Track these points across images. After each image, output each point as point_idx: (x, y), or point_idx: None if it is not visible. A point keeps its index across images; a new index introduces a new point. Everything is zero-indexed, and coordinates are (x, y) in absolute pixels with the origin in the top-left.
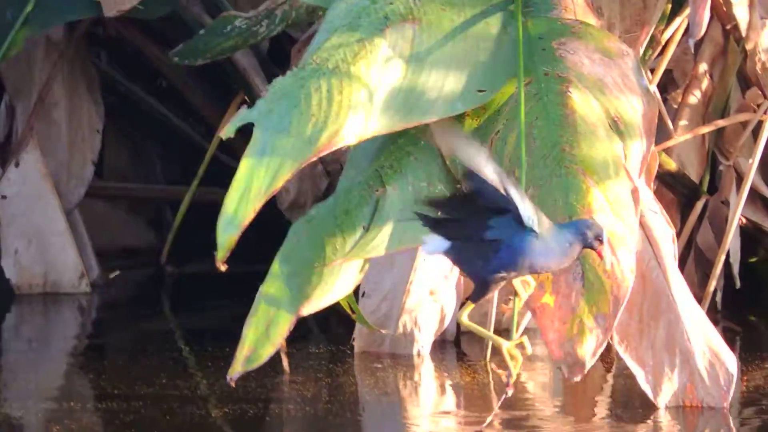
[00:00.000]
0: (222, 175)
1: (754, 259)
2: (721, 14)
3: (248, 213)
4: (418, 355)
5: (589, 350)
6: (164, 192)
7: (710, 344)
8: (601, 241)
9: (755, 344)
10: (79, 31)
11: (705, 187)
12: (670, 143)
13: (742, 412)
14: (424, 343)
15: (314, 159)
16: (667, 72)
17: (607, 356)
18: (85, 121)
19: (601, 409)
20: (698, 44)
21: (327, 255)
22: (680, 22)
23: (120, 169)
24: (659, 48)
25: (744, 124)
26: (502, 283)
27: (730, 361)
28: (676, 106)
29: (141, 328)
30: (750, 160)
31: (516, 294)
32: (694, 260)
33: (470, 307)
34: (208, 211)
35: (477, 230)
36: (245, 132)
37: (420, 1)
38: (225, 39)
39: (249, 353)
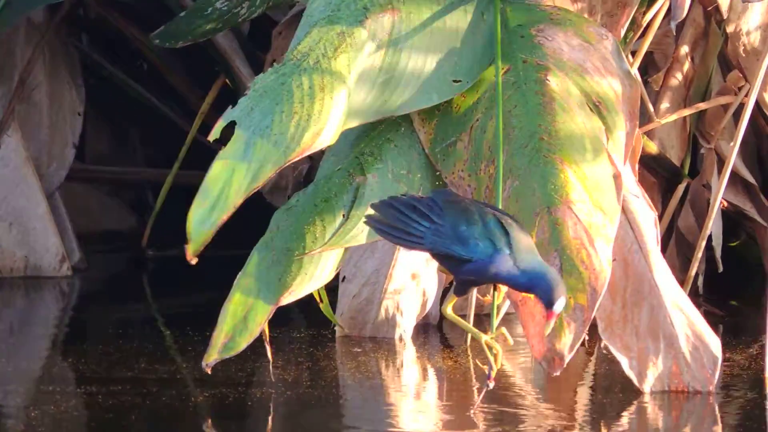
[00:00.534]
0: (204, 158)
1: (735, 243)
2: None
3: (226, 211)
4: (400, 339)
5: (567, 343)
6: (145, 175)
7: (694, 328)
8: (551, 308)
9: (738, 328)
10: (60, 14)
11: (686, 171)
12: (651, 126)
13: (728, 395)
14: (406, 327)
15: (297, 159)
16: (648, 54)
17: (590, 341)
18: (66, 103)
19: (584, 395)
20: (679, 27)
21: (307, 244)
22: (661, 4)
23: (101, 152)
24: (640, 30)
25: (725, 107)
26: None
27: (715, 344)
28: (657, 89)
29: (122, 311)
30: (731, 143)
31: (495, 287)
32: (676, 244)
33: (453, 299)
34: (190, 194)
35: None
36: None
37: None
38: (206, 21)
39: (226, 340)
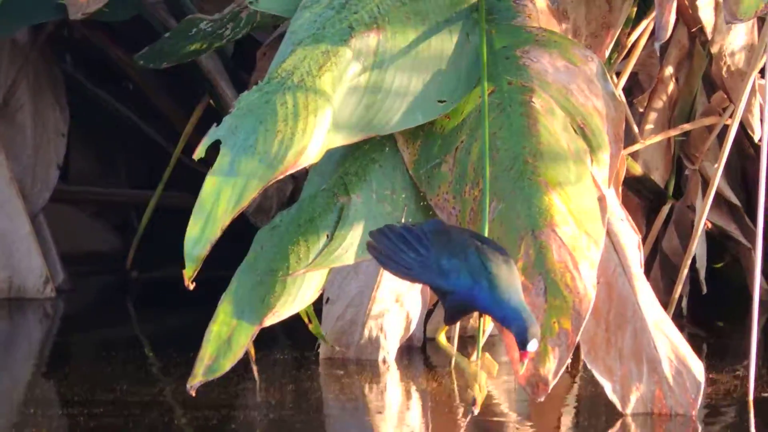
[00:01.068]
0: (188, 179)
1: (720, 265)
2: (687, 17)
3: (215, 232)
4: (384, 361)
5: (551, 369)
6: (129, 196)
7: (677, 352)
8: (524, 348)
9: (722, 350)
10: (45, 34)
11: (671, 192)
12: (635, 147)
13: (711, 419)
14: (389, 349)
15: (281, 177)
16: (633, 75)
17: (574, 363)
18: (51, 124)
19: (567, 417)
20: (664, 47)
21: (291, 264)
22: (646, 25)
23: (85, 173)
24: (625, 51)
25: (710, 128)
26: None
27: (698, 368)
28: (641, 110)
29: (105, 333)
30: (716, 165)
31: (482, 315)
32: (660, 266)
33: (444, 328)
34: (174, 215)
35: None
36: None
37: (385, 10)
38: (190, 42)
39: (210, 363)
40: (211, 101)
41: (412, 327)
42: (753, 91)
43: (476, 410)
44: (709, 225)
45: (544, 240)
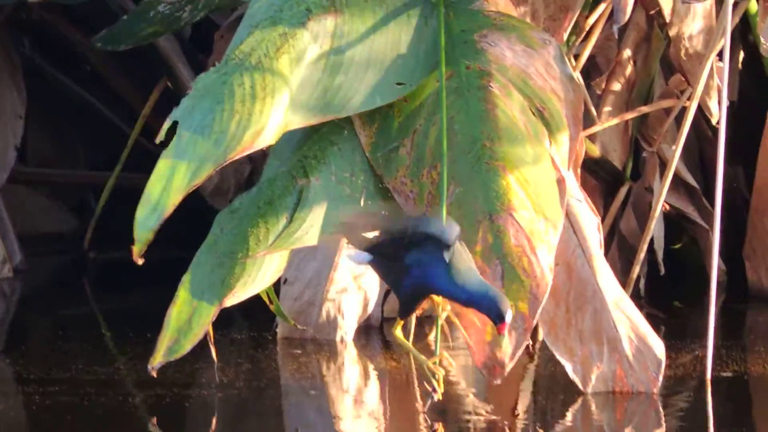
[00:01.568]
0: (145, 160)
1: (677, 246)
2: (645, 0)
3: (167, 208)
4: (342, 341)
5: (508, 352)
6: (87, 177)
7: (637, 331)
8: (503, 320)
9: (680, 330)
10: (2, 17)
11: (628, 174)
12: (593, 130)
13: (671, 397)
14: (347, 329)
15: (238, 158)
16: (591, 58)
17: (532, 344)
18: (8, 106)
19: (527, 397)
20: (622, 30)
21: (251, 246)
22: (604, 8)
23: (43, 155)
24: (583, 34)
25: (667, 111)
26: (423, 302)
27: (658, 346)
28: (599, 93)
29: (62, 313)
30: (673, 147)
31: (437, 307)
32: (618, 247)
33: (400, 322)
34: (131, 196)
35: (396, 253)
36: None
37: None
38: (148, 24)
39: (171, 343)
40: (169, 83)
41: (370, 307)
42: (711, 74)
43: (436, 396)
44: (667, 207)
45: (502, 224)
